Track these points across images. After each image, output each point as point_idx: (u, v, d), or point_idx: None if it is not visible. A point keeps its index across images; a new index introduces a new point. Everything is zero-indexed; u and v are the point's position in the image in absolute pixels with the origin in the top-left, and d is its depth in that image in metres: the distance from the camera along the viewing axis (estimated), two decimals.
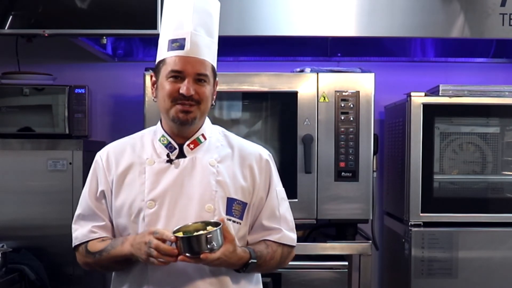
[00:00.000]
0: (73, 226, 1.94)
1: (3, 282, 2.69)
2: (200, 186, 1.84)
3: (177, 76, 1.82)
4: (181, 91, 1.80)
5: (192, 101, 1.82)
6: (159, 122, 1.95)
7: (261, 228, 1.92)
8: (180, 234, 1.72)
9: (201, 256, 1.69)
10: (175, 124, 1.86)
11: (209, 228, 1.73)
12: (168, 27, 1.88)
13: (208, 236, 1.69)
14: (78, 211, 1.94)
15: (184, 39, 1.82)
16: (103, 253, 1.84)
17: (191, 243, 1.69)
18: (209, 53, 1.86)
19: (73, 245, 1.93)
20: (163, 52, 1.86)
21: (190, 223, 1.77)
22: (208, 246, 1.69)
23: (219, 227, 1.72)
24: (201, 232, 1.71)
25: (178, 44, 1.82)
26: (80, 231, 1.91)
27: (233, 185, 1.87)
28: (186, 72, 1.81)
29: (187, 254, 1.70)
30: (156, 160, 1.87)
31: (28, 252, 2.96)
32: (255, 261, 1.83)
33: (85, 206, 1.92)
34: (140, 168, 1.87)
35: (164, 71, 1.84)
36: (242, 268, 1.83)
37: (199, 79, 1.83)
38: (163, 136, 1.90)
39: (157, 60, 1.89)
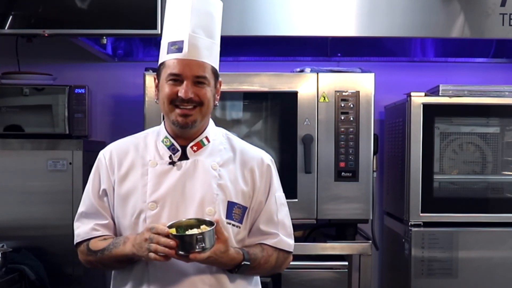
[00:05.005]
0: (75, 223, 1.94)
1: (3, 282, 2.68)
2: (202, 188, 1.84)
3: (176, 79, 1.81)
4: (179, 94, 1.80)
5: (191, 103, 1.81)
6: (162, 123, 1.95)
7: (258, 232, 1.92)
8: (173, 231, 1.71)
9: (190, 256, 1.68)
10: (176, 127, 1.86)
11: (203, 227, 1.72)
12: (167, 29, 1.88)
13: (198, 236, 1.68)
14: (81, 209, 1.94)
15: (182, 41, 1.81)
16: (104, 251, 1.84)
17: (182, 242, 1.68)
18: (209, 55, 1.85)
19: (75, 242, 1.94)
20: (163, 54, 1.86)
21: (183, 219, 1.76)
22: (199, 246, 1.67)
23: (213, 227, 1.71)
24: (193, 231, 1.70)
25: (176, 46, 1.82)
26: (82, 229, 1.91)
27: (234, 189, 1.87)
28: (185, 75, 1.81)
29: (180, 252, 1.68)
30: (159, 162, 1.87)
31: (28, 252, 2.96)
32: (248, 263, 1.82)
33: (88, 204, 1.92)
34: (143, 169, 1.87)
35: (164, 73, 1.84)
36: (235, 269, 1.82)
37: (198, 81, 1.82)
38: (166, 137, 1.90)
39: (159, 62, 1.89)
